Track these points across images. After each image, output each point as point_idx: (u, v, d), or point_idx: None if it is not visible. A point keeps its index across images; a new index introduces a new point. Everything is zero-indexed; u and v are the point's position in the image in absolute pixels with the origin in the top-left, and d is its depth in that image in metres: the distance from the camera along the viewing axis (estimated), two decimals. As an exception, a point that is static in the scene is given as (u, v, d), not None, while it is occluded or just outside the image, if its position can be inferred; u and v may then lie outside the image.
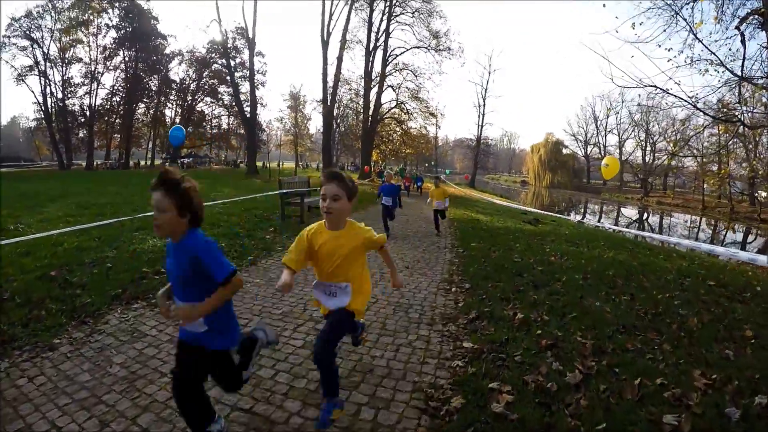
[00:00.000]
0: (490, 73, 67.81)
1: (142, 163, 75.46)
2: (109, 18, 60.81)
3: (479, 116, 68.91)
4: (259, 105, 65.96)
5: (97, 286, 6.34)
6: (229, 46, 57.73)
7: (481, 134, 70.30)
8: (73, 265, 7.27)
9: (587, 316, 5.55)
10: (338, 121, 69.63)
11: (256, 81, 61.40)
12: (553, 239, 12.22)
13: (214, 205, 14.78)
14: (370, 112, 43.41)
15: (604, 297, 6.46)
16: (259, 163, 63.69)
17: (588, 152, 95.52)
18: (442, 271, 8.33)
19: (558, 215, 21.62)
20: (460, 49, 44.54)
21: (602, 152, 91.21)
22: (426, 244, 10.72)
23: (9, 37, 55.57)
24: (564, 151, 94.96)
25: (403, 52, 44.70)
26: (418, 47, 44.06)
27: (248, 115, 47.44)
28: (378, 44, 44.01)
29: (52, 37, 57.20)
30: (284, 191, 14.15)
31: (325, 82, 43.39)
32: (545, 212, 20.74)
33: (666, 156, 69.55)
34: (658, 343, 4.84)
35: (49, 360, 4.35)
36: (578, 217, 43.08)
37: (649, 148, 78.65)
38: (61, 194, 19.82)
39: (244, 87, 57.76)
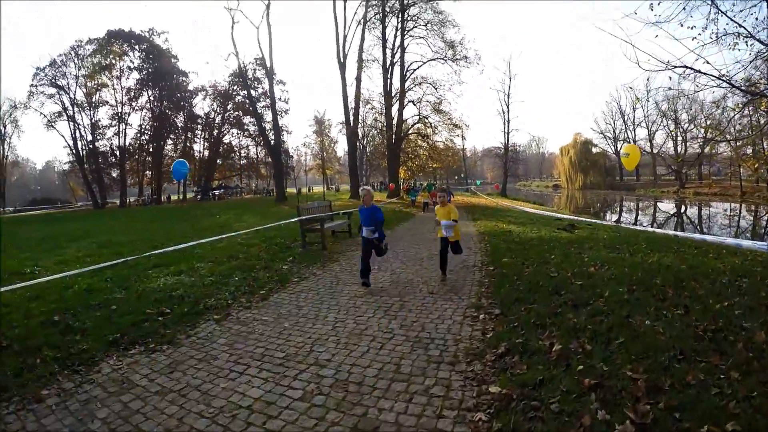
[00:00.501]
0: (510, 78, 66.85)
1: (174, 197, 76.35)
2: (131, 60, 62.87)
3: (504, 123, 67.88)
4: (284, 132, 67.79)
5: (96, 330, 6.07)
6: (250, 77, 58.79)
7: (508, 141, 69.12)
8: (77, 309, 7.04)
9: (637, 340, 4.69)
10: (364, 141, 69.43)
11: (278, 109, 62.77)
12: (591, 246, 11.29)
13: (236, 236, 14.50)
14: (394, 130, 42.68)
15: (654, 313, 5.55)
16: (291, 190, 64.11)
17: (618, 149, 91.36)
18: (469, 294, 7.58)
19: (594, 219, 20.53)
20: (477, 56, 43.91)
21: None
22: (453, 264, 9.84)
23: (36, 86, 58.47)
24: (594, 150, 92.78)
25: (420, 65, 44.00)
26: (434, 59, 43.31)
27: (273, 143, 47.34)
28: (395, 60, 43.46)
29: (77, 83, 59.56)
30: (303, 218, 13.52)
31: (346, 103, 43.21)
32: (580, 217, 19.76)
33: (700, 143, 67.86)
34: (724, 369, 3.95)
35: (34, 413, 4.13)
36: (614, 218, 41.88)
37: (680, 138, 76.73)
38: (85, 234, 20.09)
39: (268, 116, 58.20)
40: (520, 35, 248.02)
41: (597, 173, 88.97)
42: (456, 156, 55.54)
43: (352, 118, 43.53)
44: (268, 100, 57.76)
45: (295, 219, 13.89)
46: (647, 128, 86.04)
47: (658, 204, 55.05)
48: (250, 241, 14.38)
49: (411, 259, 11.23)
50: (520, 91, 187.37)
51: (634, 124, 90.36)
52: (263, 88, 62.84)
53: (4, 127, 68.48)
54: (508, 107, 67.05)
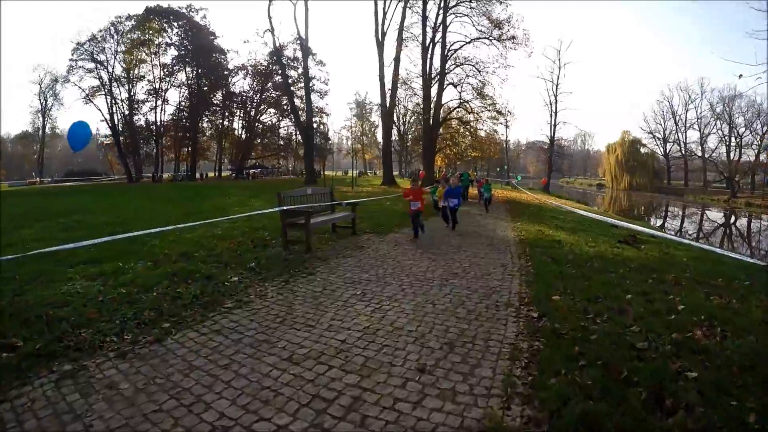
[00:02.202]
0: (560, 67, 62.19)
1: (211, 174, 75.99)
2: (168, 37, 62.06)
3: (551, 115, 63.22)
4: (323, 114, 67.12)
5: None
6: (290, 56, 56.37)
7: (554, 134, 64.39)
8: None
9: None
10: (404, 127, 66.03)
11: (319, 90, 61.05)
12: (675, 278, 7.41)
13: (218, 223, 12.52)
14: (431, 113, 38.87)
15: None
16: (330, 173, 61.46)
17: (667, 150, 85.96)
18: (491, 378, 3.97)
19: (656, 231, 16.48)
20: (526, 37, 38.91)
21: (682, 150, 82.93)
22: (475, 298, 6.33)
23: (75, 60, 58.16)
24: (642, 150, 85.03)
25: (463, 45, 39.67)
26: (478, 39, 38.93)
27: (305, 123, 44.17)
28: (436, 40, 39.42)
29: (116, 58, 59.39)
30: (284, 208, 10.03)
31: (382, 84, 39.76)
32: (636, 225, 15.78)
33: (756, 149, 62.54)
34: None
35: None
36: (657, 222, 37.07)
37: (734, 143, 71.06)
38: (75, 210, 18.07)
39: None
40: (573, 22, 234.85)
41: (644, 174, 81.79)
42: (498, 146, 51.04)
43: (388, 101, 40.16)
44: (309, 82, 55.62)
45: (302, 207, 10.83)
46: (699, 131, 79.62)
47: (707, 212, 49.32)
48: (230, 233, 11.68)
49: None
50: (568, 82, 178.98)
51: (685, 126, 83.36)
52: (302, 69, 59.40)
53: (45, 100, 69.18)
54: (555, 98, 62.47)
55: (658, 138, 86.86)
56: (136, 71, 60.98)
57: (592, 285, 6.72)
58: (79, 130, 18.06)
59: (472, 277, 7.44)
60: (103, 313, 5.54)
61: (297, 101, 50.81)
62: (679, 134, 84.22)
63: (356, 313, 5.74)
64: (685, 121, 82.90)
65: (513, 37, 37.94)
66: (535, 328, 5.11)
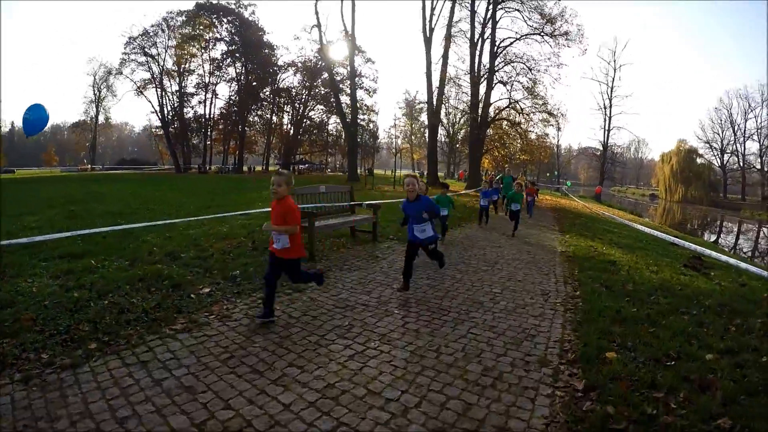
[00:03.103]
0: (615, 69, 59.09)
1: (258, 168, 77.01)
2: (218, 32, 63.10)
3: (605, 120, 60.24)
4: (372, 112, 66.53)
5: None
6: (337, 53, 55.49)
7: (607, 140, 61.29)
8: None
9: None
10: (454, 127, 64.11)
11: (367, 88, 60.96)
12: (764, 324, 5.41)
13: (231, 219, 11.65)
14: (479, 112, 36.83)
15: None
16: (380, 171, 60.37)
17: (724, 162, 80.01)
18: None
19: (724, 254, 14.19)
20: (580, 33, 36.29)
21: (740, 162, 77.48)
22: (499, 345, 4.56)
23: (128, 54, 60.84)
24: (698, 160, 78.97)
25: (513, 41, 37.41)
26: (529, 35, 36.62)
27: (349, 120, 42.74)
28: (485, 36, 37.30)
29: (167, 52, 61.72)
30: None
31: (429, 82, 37.97)
32: (698, 245, 13.66)
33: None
34: None
35: None
36: (713, 238, 33.84)
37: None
38: (96, 198, 18.28)
39: (358, 95, 55.26)
40: (629, 20, 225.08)
41: (700, 186, 76.14)
42: (548, 150, 48.34)
43: (435, 99, 38.28)
44: (356, 78, 54.86)
45: (327, 205, 9.77)
46: (759, 142, 74.11)
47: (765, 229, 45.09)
48: (236, 231, 10.37)
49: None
50: (624, 84, 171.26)
51: (744, 136, 77.35)
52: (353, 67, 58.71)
53: (99, 91, 71.02)
54: (610, 101, 59.46)
55: (715, 148, 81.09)
56: (186, 65, 62.56)
57: (661, 335, 4.82)
58: (34, 114, 16.51)
59: (502, 310, 5.65)
60: (39, 321, 4.66)
61: (344, 98, 49.62)
62: (738, 145, 78.51)
63: (327, 359, 4.13)
64: (744, 130, 77.17)
65: (566, 33, 35.54)
66: (578, 413, 3.30)
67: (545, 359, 4.20)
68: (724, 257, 5.98)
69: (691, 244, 7.73)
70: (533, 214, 18.69)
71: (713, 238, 36.37)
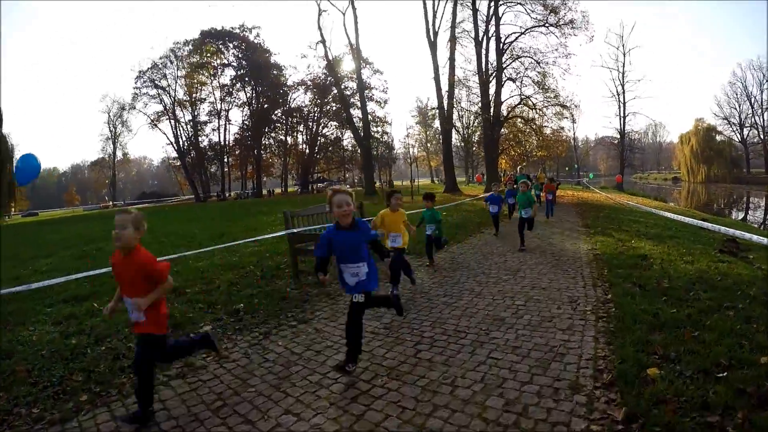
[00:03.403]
0: (625, 53, 57.80)
1: (278, 190, 77.32)
2: (225, 58, 64.24)
3: (620, 106, 58.79)
4: (385, 123, 66.35)
5: None
6: (345, 67, 55.61)
7: (624, 127, 59.81)
8: None
9: None
10: (468, 130, 63.40)
11: (378, 99, 60.70)
12: None
13: (241, 246, 11.33)
14: (491, 112, 36.14)
15: None
16: (398, 182, 60.12)
17: (744, 136, 77.83)
18: None
19: (753, 233, 13.36)
20: (585, 20, 35.42)
21: (761, 135, 75.19)
22: (523, 370, 4.00)
23: (139, 88, 62.47)
24: (718, 138, 77.14)
25: (518, 36, 36.67)
26: (534, 28, 35.88)
27: (362, 132, 42.35)
28: (490, 34, 36.76)
29: (176, 82, 62.89)
30: (293, 231, 8.05)
31: (438, 87, 37.46)
32: (724, 226, 12.97)
33: None
34: None
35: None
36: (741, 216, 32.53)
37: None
38: (98, 237, 18.06)
39: (369, 107, 55.71)
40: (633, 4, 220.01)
41: (722, 164, 74.09)
42: (565, 144, 47.18)
43: (446, 103, 37.75)
44: (366, 91, 55.40)
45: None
46: None
47: None
48: (246, 259, 10.13)
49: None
50: (635, 68, 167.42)
51: (762, 108, 74.70)
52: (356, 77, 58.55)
53: (114, 127, 71.94)
54: (623, 87, 58.08)
55: (734, 123, 78.98)
56: (197, 94, 63.46)
57: (706, 339, 4.22)
58: (26, 164, 16.93)
59: (526, 326, 5.08)
60: (34, 373, 4.49)
61: (356, 112, 49.43)
62: (756, 117, 76.18)
63: (327, 402, 3.64)
64: (762, 102, 74.67)
65: (571, 21, 34.76)
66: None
67: (577, 384, 3.62)
68: (756, 237, 5.41)
69: (721, 227, 7.11)
70: (554, 213, 17.52)
71: (741, 215, 35.14)
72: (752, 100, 75.61)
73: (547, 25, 35.05)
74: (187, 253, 9.02)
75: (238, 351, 4.89)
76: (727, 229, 6.72)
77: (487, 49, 36.65)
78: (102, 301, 6.80)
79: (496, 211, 12.79)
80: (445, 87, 37.60)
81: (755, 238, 5.35)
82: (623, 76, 58.07)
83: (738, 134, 78.49)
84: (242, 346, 5.02)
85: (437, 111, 41.34)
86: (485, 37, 36.48)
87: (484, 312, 5.68)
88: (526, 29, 35.91)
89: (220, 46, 62.66)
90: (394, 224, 6.80)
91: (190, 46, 61.80)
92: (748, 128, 77.34)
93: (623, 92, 58.31)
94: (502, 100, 37.32)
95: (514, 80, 36.84)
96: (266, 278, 8.04)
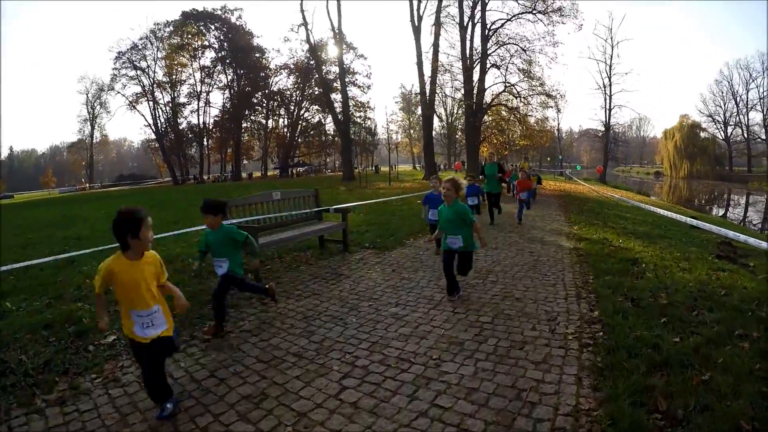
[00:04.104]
0: (613, 46, 56.66)
1: (258, 173, 76.35)
2: (206, 40, 62.91)
3: (605, 99, 57.68)
4: (368, 109, 65.85)
5: None
6: (327, 51, 54.61)
7: (609, 120, 58.77)
8: None
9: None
10: (452, 117, 62.35)
11: (361, 84, 60.89)
12: None
13: (198, 232, 9.12)
14: (474, 99, 34.84)
15: None
16: (385, 168, 59.24)
17: (728, 134, 77.82)
18: None
19: (749, 236, 12.43)
20: (574, 8, 33.98)
21: (745, 133, 75.15)
22: None
23: (118, 69, 61.08)
24: (702, 135, 77.31)
25: (504, 22, 35.02)
26: (521, 14, 34.27)
27: (341, 117, 41.07)
28: (475, 20, 35.14)
29: (156, 64, 61.69)
30: (231, 222, 6.85)
31: (420, 72, 36.11)
32: (717, 226, 12.08)
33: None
34: None
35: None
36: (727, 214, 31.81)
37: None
38: (49, 223, 16.58)
39: (352, 92, 56.34)
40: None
41: (705, 161, 74.10)
42: (549, 134, 45.85)
43: (428, 89, 36.45)
44: (351, 75, 56.21)
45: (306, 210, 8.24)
46: (763, 112, 71.42)
47: None
48: (188, 250, 8.74)
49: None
50: (623, 61, 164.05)
51: (747, 107, 74.90)
52: (345, 64, 56.95)
53: (93, 108, 70.53)
54: (610, 80, 56.97)
55: (718, 121, 79.10)
56: (177, 76, 62.14)
57: (720, 384, 3.15)
58: None
59: (489, 355, 3.93)
60: None
61: (338, 96, 48.18)
62: (741, 116, 76.36)
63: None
64: (747, 101, 74.84)
65: (559, 9, 33.25)
66: None
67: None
68: (754, 240, 4.59)
69: (713, 227, 6.13)
70: (533, 206, 15.44)
71: (722, 212, 34.54)
72: (737, 99, 75.82)
73: (534, 12, 33.58)
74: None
75: (131, 373, 3.83)
76: (720, 229, 5.79)
77: (472, 35, 35.17)
78: (18, 299, 5.93)
79: (473, 204, 10.32)
80: (428, 73, 36.28)
81: (752, 241, 4.67)
82: (610, 69, 57.01)
83: (722, 132, 78.70)
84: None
85: (419, 96, 40.16)
86: (470, 23, 34.92)
87: (440, 331, 4.53)
88: (513, 15, 34.27)
89: (201, 28, 61.15)
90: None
91: (171, 27, 60.25)
92: (733, 126, 77.64)
93: (610, 84, 57.30)
94: (486, 87, 35.96)
95: (498, 67, 35.44)
96: (202, 276, 6.79)
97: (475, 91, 34.97)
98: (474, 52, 35.25)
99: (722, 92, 78.08)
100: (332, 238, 9.05)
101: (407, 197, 17.94)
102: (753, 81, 72.03)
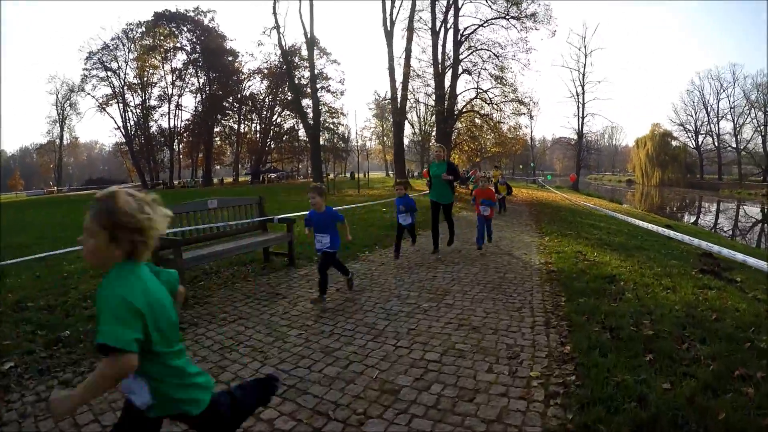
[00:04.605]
0: (586, 55, 56.76)
1: (229, 179, 75.28)
2: (179, 41, 61.43)
3: (578, 107, 57.77)
4: (341, 115, 64.92)
5: None
6: (301, 56, 54.27)
7: (582, 128, 58.79)
8: None
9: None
10: (425, 124, 61.84)
11: (334, 90, 61.47)
12: None
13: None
14: (445, 105, 33.96)
15: None
16: (361, 175, 58.65)
17: (699, 143, 78.20)
18: None
19: (732, 250, 11.80)
20: (548, 14, 33.11)
21: (716, 142, 75.55)
22: None
23: (89, 69, 59.15)
24: (673, 143, 78.11)
25: (477, 28, 34.12)
26: (494, 19, 33.34)
27: (311, 122, 40.04)
28: (448, 25, 34.26)
29: (128, 65, 59.93)
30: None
31: (392, 77, 34.82)
32: (691, 236, 11.54)
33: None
34: None
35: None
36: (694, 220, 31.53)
37: (772, 132, 63.87)
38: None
39: (325, 98, 56.16)
40: (596, 6, 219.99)
41: (676, 169, 74.91)
42: (521, 141, 45.13)
43: (399, 95, 35.41)
44: (324, 81, 56.22)
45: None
46: (733, 121, 72.31)
47: (745, 208, 42.33)
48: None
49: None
50: (596, 70, 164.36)
51: (717, 116, 75.57)
52: (318, 69, 56.71)
53: (63, 110, 68.70)
54: (583, 88, 57.08)
55: (689, 130, 79.52)
56: (148, 78, 60.37)
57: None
58: None
59: (429, 408, 3.06)
60: None
61: (309, 101, 47.24)
62: (712, 125, 76.91)
63: None
64: (717, 111, 75.57)
65: (533, 15, 32.45)
66: None
67: None
68: (739, 255, 4.39)
69: (693, 239, 5.42)
70: (490, 238, 10.06)
71: (693, 219, 34.35)
72: (708, 108, 76.42)
73: (507, 17, 32.84)
74: (58, 252, 7.05)
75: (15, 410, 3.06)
76: (701, 242, 5.06)
77: (444, 40, 34.21)
78: None
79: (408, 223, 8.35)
80: (399, 78, 35.05)
81: (737, 255, 4.10)
82: (584, 77, 57.23)
83: (693, 140, 79.26)
84: (28, 398, 3.21)
85: (389, 102, 39.40)
86: (443, 28, 33.99)
87: (374, 372, 3.63)
88: (486, 20, 33.39)
89: (173, 29, 59.67)
90: None
91: (143, 28, 58.67)
92: (703, 135, 78.16)
93: (583, 93, 57.53)
94: (458, 93, 35.13)
95: (470, 72, 34.63)
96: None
97: (446, 97, 34.17)
98: (446, 57, 34.47)
99: (693, 102, 78.65)
100: (280, 250, 8.09)
101: (373, 204, 17.07)
102: (724, 91, 72.91)
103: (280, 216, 8.09)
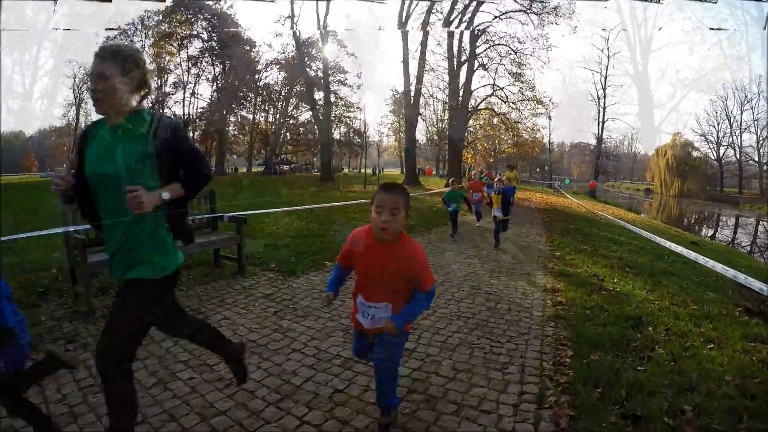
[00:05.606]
0: (609, 57, 54.74)
1: (243, 169, 73.83)
2: (194, 29, 60.41)
3: (599, 111, 55.84)
4: (358, 109, 63.15)
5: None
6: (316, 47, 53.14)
7: (602, 133, 56.80)
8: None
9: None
10: (442, 123, 60.69)
11: (351, 84, 59.70)
12: None
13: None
14: (459, 101, 32.68)
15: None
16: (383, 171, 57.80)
17: (720, 155, 74.86)
18: None
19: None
20: (571, 9, 31.58)
21: (737, 154, 72.86)
22: None
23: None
24: (694, 154, 74.39)
25: (494, 18, 32.69)
26: (512, 12, 31.95)
27: (321, 113, 39.22)
28: (464, 18, 32.89)
29: (144, 51, 57.50)
30: (68, 230, 4.58)
31: (406, 70, 33.86)
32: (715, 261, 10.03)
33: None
34: None
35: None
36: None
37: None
38: None
39: (342, 92, 55.41)
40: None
41: (696, 180, 71.83)
42: (539, 144, 43.22)
43: (413, 89, 34.27)
44: (341, 74, 55.06)
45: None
46: (756, 134, 68.50)
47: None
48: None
49: None
50: (618, 73, 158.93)
51: (740, 128, 71.76)
52: (338, 66, 56.30)
53: (80, 93, 66.67)
54: (604, 92, 55.09)
55: (711, 141, 75.87)
56: (164, 65, 59.79)
57: None
58: None
59: None
60: None
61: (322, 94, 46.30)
62: (734, 137, 73.28)
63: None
64: (740, 123, 71.99)
65: (555, 9, 30.98)
66: None
67: None
68: None
69: (729, 270, 3.99)
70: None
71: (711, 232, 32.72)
72: (731, 119, 73.68)
73: (527, 11, 31.27)
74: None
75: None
76: (737, 273, 3.71)
77: (461, 33, 32.98)
78: None
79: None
80: (414, 72, 34.10)
81: None
82: (605, 80, 55.26)
83: (714, 152, 76.50)
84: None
85: (402, 96, 38.31)
86: (459, 20, 32.72)
87: None
88: (505, 12, 31.95)
89: (190, 17, 58.81)
90: None
91: (160, 16, 57.85)
92: (725, 147, 75.41)
93: (604, 96, 55.54)
94: (473, 88, 33.82)
95: (486, 68, 33.29)
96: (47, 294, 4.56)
97: (461, 92, 32.73)
98: (462, 50, 33.10)
99: (716, 112, 75.82)
100: (228, 255, 6.67)
101: (365, 204, 15.75)
102: (748, 102, 70.49)
103: (231, 213, 6.61)
